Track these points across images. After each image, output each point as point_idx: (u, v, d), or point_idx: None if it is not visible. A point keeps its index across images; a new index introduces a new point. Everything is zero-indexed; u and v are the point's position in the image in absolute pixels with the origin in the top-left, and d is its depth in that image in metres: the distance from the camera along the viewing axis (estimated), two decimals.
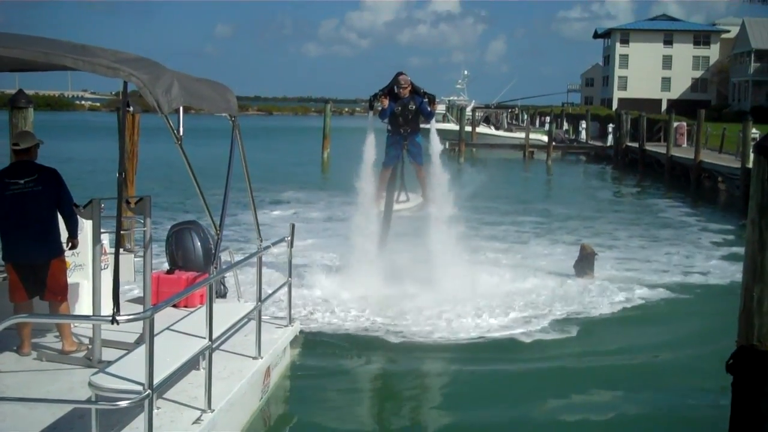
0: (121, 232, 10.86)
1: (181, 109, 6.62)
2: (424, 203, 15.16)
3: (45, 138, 8.53)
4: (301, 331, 10.78)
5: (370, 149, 14.65)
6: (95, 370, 6.27)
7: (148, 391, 5.59)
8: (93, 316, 8.36)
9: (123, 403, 5.56)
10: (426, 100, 14.36)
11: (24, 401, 6.65)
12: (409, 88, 14.34)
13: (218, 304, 9.31)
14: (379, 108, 14.53)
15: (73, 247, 8.52)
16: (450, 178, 15.01)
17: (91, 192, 6.85)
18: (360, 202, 14.70)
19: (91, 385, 5.73)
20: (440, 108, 78.02)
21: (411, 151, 14.75)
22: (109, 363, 6.26)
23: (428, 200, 15.00)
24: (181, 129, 6.73)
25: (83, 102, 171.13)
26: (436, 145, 15.23)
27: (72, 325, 9.03)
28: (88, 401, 5.72)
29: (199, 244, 11.28)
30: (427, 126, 15.22)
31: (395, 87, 14.34)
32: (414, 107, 14.36)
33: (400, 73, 14.46)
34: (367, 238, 14.50)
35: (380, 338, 11.57)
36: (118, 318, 5.62)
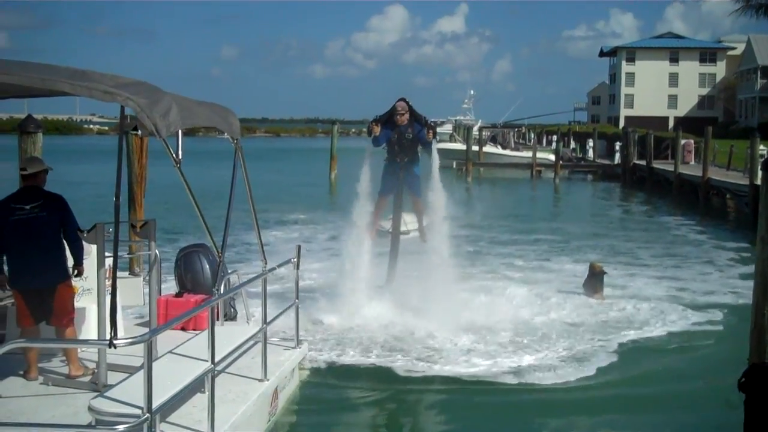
0: (127, 255, 10.96)
1: (180, 132, 6.63)
2: (420, 237, 14.31)
3: (54, 162, 8.57)
4: (308, 355, 10.72)
5: (366, 178, 13.77)
6: (96, 394, 6.22)
7: (147, 414, 5.53)
8: (90, 340, 8.40)
9: (121, 428, 5.52)
10: (426, 130, 13.53)
11: (24, 426, 6.60)
12: (406, 115, 13.53)
13: (224, 327, 9.33)
14: (372, 136, 13.66)
15: (79, 274, 8.52)
16: (446, 217, 13.95)
17: (98, 216, 6.84)
18: (353, 233, 13.82)
19: (90, 409, 5.71)
20: (447, 128, 78.26)
21: (408, 181, 13.94)
22: (110, 387, 6.22)
23: (424, 235, 14.15)
24: (180, 152, 6.75)
25: (91, 126, 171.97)
26: (435, 178, 14.03)
27: (79, 350, 9.02)
28: (88, 426, 5.68)
29: (207, 266, 11.25)
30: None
31: (393, 114, 13.55)
32: (411, 135, 13.57)
33: (400, 99, 13.70)
34: (359, 267, 13.57)
35: (387, 368, 11.03)
36: (115, 342, 5.60)
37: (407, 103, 13.62)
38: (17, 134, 12.87)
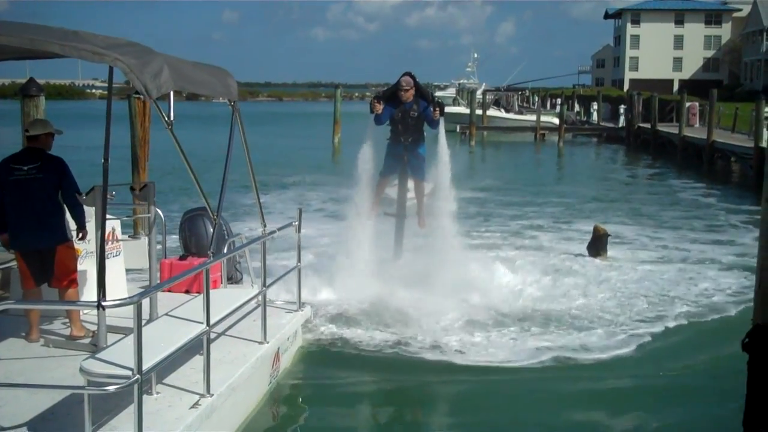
0: (126, 218, 10.92)
1: (171, 94, 6.54)
2: (418, 222, 13.34)
3: (57, 126, 8.42)
4: (313, 320, 10.76)
5: (367, 157, 12.78)
6: (87, 355, 6.20)
7: (137, 376, 5.51)
8: (79, 302, 8.40)
9: (111, 388, 5.50)
10: (432, 107, 12.53)
11: (19, 387, 6.60)
12: (411, 91, 12.50)
13: (224, 290, 9.30)
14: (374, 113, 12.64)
15: (83, 237, 8.47)
16: (454, 210, 12.99)
17: (98, 179, 6.76)
18: (354, 213, 12.97)
19: (82, 370, 5.69)
20: (450, 91, 77.95)
21: (411, 163, 12.91)
22: (103, 348, 6.20)
23: (422, 220, 13.25)
24: (171, 114, 6.68)
25: (94, 90, 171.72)
26: (443, 160, 13.02)
27: (81, 312, 9.02)
28: (80, 387, 5.66)
29: (211, 230, 11.17)
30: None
31: (397, 89, 12.57)
32: (417, 113, 12.55)
33: (406, 73, 12.65)
34: (361, 249, 12.72)
35: (392, 339, 10.67)
36: (104, 303, 5.57)
37: (413, 78, 12.63)
38: (19, 98, 12.82)
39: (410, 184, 13.34)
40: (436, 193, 13.18)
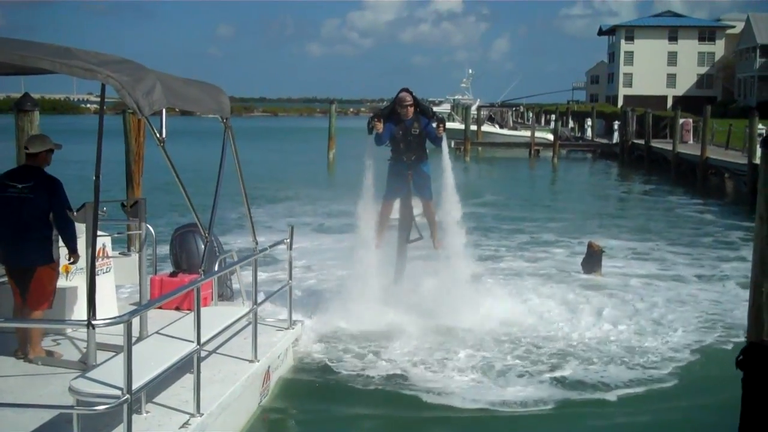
0: (117, 235, 10.88)
1: (164, 111, 6.52)
2: (433, 244, 12.59)
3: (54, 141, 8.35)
4: (303, 338, 10.60)
5: (369, 178, 12.13)
6: (76, 374, 6.14)
7: (127, 395, 5.46)
8: (69, 320, 8.37)
9: (101, 408, 5.46)
10: (434, 123, 11.93)
11: (7, 406, 6.53)
12: (412, 107, 11.92)
13: (215, 308, 9.26)
14: (375, 133, 12.02)
15: (74, 262, 8.35)
16: (461, 220, 12.52)
17: (91, 195, 6.71)
18: (358, 240, 12.27)
19: (71, 389, 5.64)
20: (445, 107, 78.05)
21: (416, 182, 12.24)
22: (93, 367, 6.15)
23: (437, 242, 12.51)
24: (164, 131, 6.66)
25: (89, 105, 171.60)
26: (447, 177, 12.56)
27: (69, 330, 8.95)
28: (69, 406, 5.60)
29: (202, 246, 11.12)
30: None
31: (396, 106, 11.99)
32: (418, 130, 11.94)
33: (403, 90, 12.07)
34: (365, 278, 11.99)
35: (387, 359, 10.38)
36: (94, 322, 5.52)
37: (411, 94, 12.04)
38: (14, 113, 12.79)
39: (418, 204, 12.65)
40: (441, 214, 12.57)
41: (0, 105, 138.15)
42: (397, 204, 12.59)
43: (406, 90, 12.05)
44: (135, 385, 5.58)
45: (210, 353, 8.24)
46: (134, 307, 9.64)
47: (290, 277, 10.11)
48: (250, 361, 8.40)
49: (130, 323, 5.54)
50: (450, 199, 12.50)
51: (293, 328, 10.07)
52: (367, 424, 8.95)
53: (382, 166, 12.37)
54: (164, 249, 13.26)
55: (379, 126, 11.85)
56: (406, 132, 11.96)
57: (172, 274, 11.03)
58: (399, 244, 12.78)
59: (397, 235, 12.77)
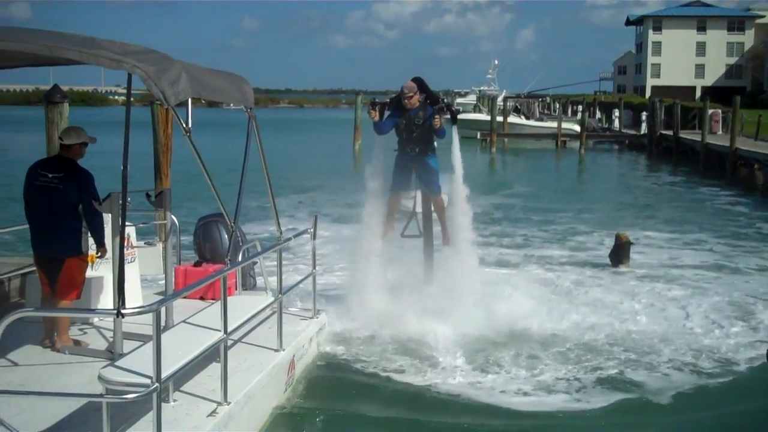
0: (142, 225, 10.95)
1: (190, 101, 6.54)
2: (443, 240, 12.14)
3: None
4: (327, 327, 10.56)
5: (376, 171, 11.83)
6: (106, 363, 6.19)
7: (156, 384, 5.49)
8: (98, 309, 8.42)
9: (130, 396, 5.49)
10: (438, 114, 11.26)
11: (35, 395, 6.59)
12: (416, 97, 11.36)
13: (240, 297, 9.28)
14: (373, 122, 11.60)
15: (102, 255, 8.40)
16: (472, 219, 12.07)
17: (118, 185, 6.74)
18: (364, 235, 11.88)
19: (100, 378, 5.67)
20: (471, 98, 77.77)
21: (421, 176, 11.78)
22: (122, 356, 6.18)
23: (447, 239, 12.06)
24: (189, 121, 6.67)
25: (116, 97, 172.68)
26: (456, 171, 12.07)
27: (96, 319, 9.03)
28: (99, 395, 5.64)
29: (226, 236, 11.15)
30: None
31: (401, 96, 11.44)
32: (422, 120, 11.37)
33: (413, 79, 11.60)
34: (370, 274, 11.66)
35: (407, 367, 9.98)
36: (123, 311, 5.54)
37: (421, 82, 11.58)
38: (44, 105, 12.89)
39: (416, 198, 12.20)
40: (450, 208, 12.12)
41: (29, 96, 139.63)
42: (411, 196, 12.13)
43: (415, 79, 11.58)
44: (164, 374, 5.62)
45: (235, 342, 8.27)
46: (159, 297, 9.75)
47: (314, 267, 10.12)
48: (276, 350, 8.43)
49: (159, 312, 5.57)
50: (458, 196, 11.99)
51: (317, 318, 10.09)
52: (391, 412, 8.92)
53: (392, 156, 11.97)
54: (186, 239, 13.29)
55: (374, 114, 11.50)
56: (410, 122, 11.45)
57: (196, 264, 11.06)
58: (425, 245, 12.31)
59: (418, 234, 12.27)
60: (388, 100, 11.82)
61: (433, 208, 12.12)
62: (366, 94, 63.83)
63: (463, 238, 11.97)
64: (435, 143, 11.75)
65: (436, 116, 11.26)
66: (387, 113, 11.64)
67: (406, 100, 11.35)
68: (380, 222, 11.88)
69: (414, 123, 11.41)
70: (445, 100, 11.98)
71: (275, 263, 9.00)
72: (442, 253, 12.18)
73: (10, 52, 6.51)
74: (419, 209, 12.24)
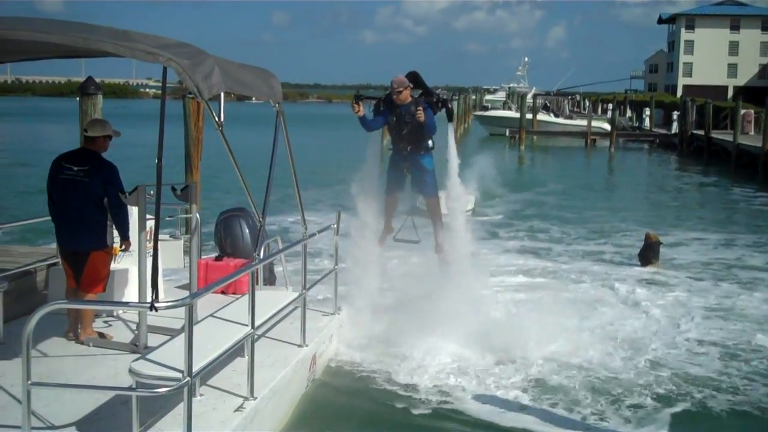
0: (168, 218, 10.98)
1: (222, 95, 6.54)
2: (435, 250, 11.43)
3: (115, 125, 8.40)
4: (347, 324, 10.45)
5: (370, 172, 11.35)
6: (137, 356, 6.20)
7: (188, 378, 5.49)
8: (131, 302, 8.44)
9: (162, 390, 5.47)
10: (412, 107, 10.56)
11: (66, 387, 6.61)
12: (406, 92, 10.66)
13: (264, 292, 9.26)
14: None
15: (126, 249, 8.35)
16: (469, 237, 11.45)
17: (148, 179, 6.72)
18: (360, 239, 11.32)
19: (131, 371, 5.67)
20: (500, 95, 77.44)
21: (414, 177, 11.10)
22: (151, 349, 6.19)
23: (440, 247, 11.35)
24: (222, 115, 6.67)
25: (147, 90, 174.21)
26: (452, 172, 11.53)
27: (120, 311, 9.07)
28: (129, 388, 5.65)
29: (247, 231, 11.14)
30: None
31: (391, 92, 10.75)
32: (412, 117, 10.61)
33: (409, 73, 10.97)
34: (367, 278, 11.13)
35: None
36: (156, 305, 5.54)
37: (416, 77, 10.93)
38: (77, 96, 12.95)
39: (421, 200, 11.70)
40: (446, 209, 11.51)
41: (62, 88, 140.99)
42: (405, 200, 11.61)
43: (411, 74, 10.95)
44: (194, 368, 5.62)
45: (259, 337, 8.27)
46: (179, 291, 9.78)
47: (336, 263, 10.08)
48: (299, 346, 8.42)
49: (192, 306, 5.58)
50: (453, 200, 11.42)
51: (339, 314, 10.08)
52: (411, 412, 8.86)
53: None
54: (204, 231, 13.19)
55: (357, 108, 10.65)
56: (400, 119, 10.78)
57: (217, 258, 11.04)
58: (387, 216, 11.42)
59: (408, 239, 11.65)
60: (382, 97, 11.12)
61: (428, 211, 11.46)
62: None
63: (459, 248, 11.29)
64: (430, 142, 11.04)
65: (418, 108, 10.45)
66: (381, 109, 11.00)
67: (395, 96, 10.69)
68: (375, 231, 11.31)
69: (404, 120, 10.74)
70: (444, 96, 11.26)
71: (299, 258, 8.95)
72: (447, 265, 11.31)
73: (45, 44, 6.54)
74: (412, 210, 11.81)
